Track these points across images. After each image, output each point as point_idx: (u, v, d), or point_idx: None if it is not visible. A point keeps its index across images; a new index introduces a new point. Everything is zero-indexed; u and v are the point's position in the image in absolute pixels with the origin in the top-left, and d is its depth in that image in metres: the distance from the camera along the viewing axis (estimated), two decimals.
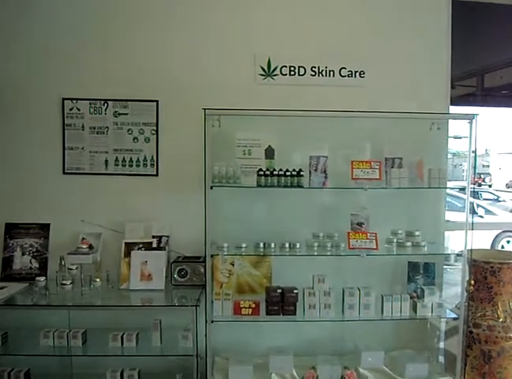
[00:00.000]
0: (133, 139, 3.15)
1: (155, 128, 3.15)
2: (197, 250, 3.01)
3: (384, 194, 2.99)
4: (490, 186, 13.15)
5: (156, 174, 3.17)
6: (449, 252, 2.96)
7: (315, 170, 2.88)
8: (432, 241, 3.04)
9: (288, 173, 2.71)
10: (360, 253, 2.72)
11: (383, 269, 3.04)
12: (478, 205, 8.25)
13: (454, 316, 2.86)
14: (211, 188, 2.66)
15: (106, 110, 3.13)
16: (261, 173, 2.70)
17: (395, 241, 2.94)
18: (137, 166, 3.15)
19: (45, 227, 3.11)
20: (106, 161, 3.15)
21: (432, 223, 3.20)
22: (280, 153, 2.96)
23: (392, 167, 3.00)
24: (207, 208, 2.63)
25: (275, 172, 2.72)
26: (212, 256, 2.70)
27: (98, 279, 2.86)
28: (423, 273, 3.14)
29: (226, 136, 3.00)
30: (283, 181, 2.71)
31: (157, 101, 3.14)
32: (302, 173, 2.72)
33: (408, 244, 2.84)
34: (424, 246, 2.86)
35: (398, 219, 3.10)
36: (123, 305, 2.67)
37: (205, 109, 2.60)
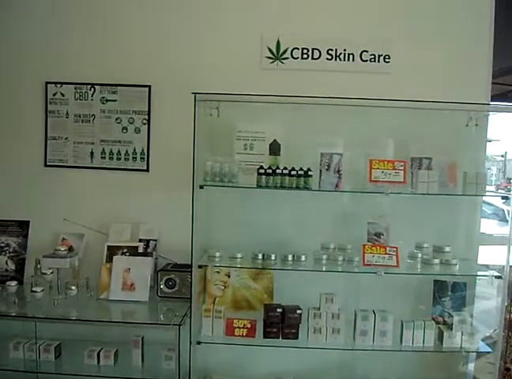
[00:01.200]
0: (122, 129, 2.74)
1: (146, 117, 2.73)
2: (190, 257, 2.56)
3: (408, 200, 2.49)
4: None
5: (147, 170, 2.75)
6: (486, 272, 2.42)
7: (327, 169, 2.39)
8: (464, 257, 2.52)
9: (293, 172, 2.24)
10: (377, 270, 2.23)
11: (404, 288, 2.54)
12: (509, 212, 7.53)
13: (488, 350, 2.34)
14: (201, 187, 2.21)
15: (92, 95, 2.73)
16: (262, 171, 2.24)
17: (420, 256, 2.44)
18: (126, 159, 2.74)
19: (24, 225, 2.74)
20: (91, 153, 2.75)
21: (464, 235, 2.68)
22: (286, 149, 2.50)
23: (419, 169, 2.48)
24: (195, 210, 2.20)
25: (278, 171, 2.25)
26: (200, 266, 2.25)
27: (74, 287, 2.47)
28: (451, 294, 2.62)
29: (226, 128, 2.56)
30: (287, 182, 2.25)
31: (149, 86, 2.71)
32: (310, 172, 2.24)
33: (436, 261, 2.33)
34: (456, 265, 2.34)
35: (424, 230, 2.60)
36: (90, 320, 2.26)
37: (195, 93, 2.15)
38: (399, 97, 2.32)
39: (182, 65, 2.68)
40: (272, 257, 2.34)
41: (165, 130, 2.73)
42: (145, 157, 2.74)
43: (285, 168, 2.26)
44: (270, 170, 2.24)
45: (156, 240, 2.68)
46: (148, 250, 2.66)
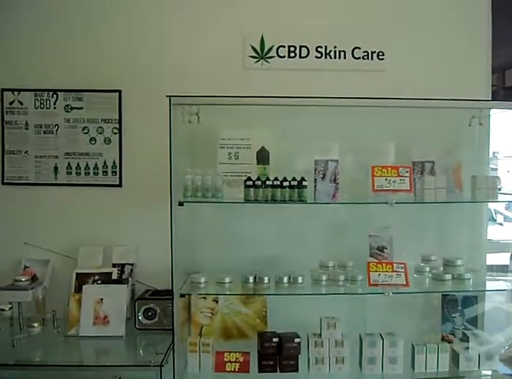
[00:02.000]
0: (90, 140, 2.41)
1: (117, 126, 2.41)
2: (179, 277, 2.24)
3: (412, 209, 2.24)
4: (499, 189, 12.31)
5: (120, 185, 2.43)
6: (505, 286, 2.18)
7: (322, 178, 2.11)
8: (473, 267, 2.27)
9: (285, 183, 1.94)
10: (384, 290, 1.94)
11: (411, 306, 2.27)
12: (496, 211, 7.39)
13: (510, 372, 2.08)
14: (180, 204, 1.89)
15: (55, 103, 2.40)
16: (250, 183, 1.94)
17: (427, 270, 2.18)
18: (95, 174, 2.41)
19: None
20: (55, 168, 2.41)
21: (472, 244, 2.42)
22: (276, 157, 2.21)
23: (421, 174, 2.22)
24: (174, 231, 1.87)
25: (268, 182, 1.95)
26: (182, 295, 1.93)
27: (37, 324, 2.11)
28: (461, 309, 2.36)
29: (207, 136, 2.27)
30: (279, 195, 1.95)
31: (120, 91, 2.40)
32: (304, 183, 1.95)
33: (447, 276, 2.07)
34: (469, 279, 2.08)
35: (429, 240, 2.36)
36: (55, 365, 1.89)
37: (170, 96, 1.84)
38: (395, 96, 2.06)
39: (156, 67, 2.38)
40: (265, 280, 2.03)
41: (139, 140, 2.41)
42: (117, 171, 2.42)
43: (276, 179, 1.97)
44: (259, 182, 1.95)
45: (132, 264, 2.35)
46: (124, 276, 2.33)
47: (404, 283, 1.94)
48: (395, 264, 1.96)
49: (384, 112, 2.10)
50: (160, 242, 2.26)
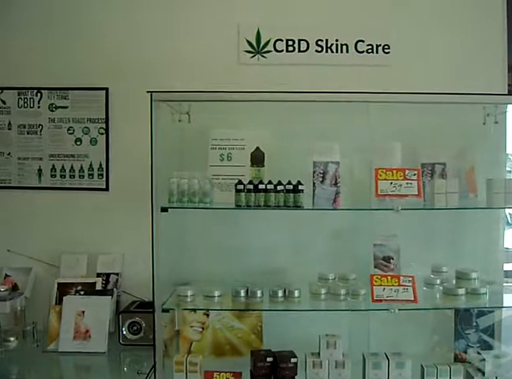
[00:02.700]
0: (76, 141, 2.25)
1: (104, 126, 2.25)
2: (162, 292, 2.06)
3: (421, 216, 2.02)
4: None
5: (106, 189, 2.26)
6: None
7: (322, 181, 1.91)
8: (489, 279, 2.04)
9: (279, 187, 1.75)
10: (390, 306, 1.73)
11: (420, 322, 2.05)
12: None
13: None
14: (163, 210, 1.71)
15: (39, 102, 2.25)
16: (241, 187, 1.74)
17: (438, 283, 1.96)
18: (81, 177, 2.25)
19: None
20: (39, 171, 2.25)
21: (487, 253, 2.19)
22: (272, 158, 2.02)
23: (431, 177, 2.01)
24: (156, 239, 1.69)
25: (261, 186, 1.75)
26: (165, 310, 1.74)
27: (13, 338, 1.95)
28: (476, 325, 2.12)
29: (199, 136, 2.08)
30: (273, 200, 1.76)
31: (107, 89, 2.23)
32: (301, 187, 1.75)
33: (461, 291, 1.84)
34: (485, 294, 1.85)
35: (440, 249, 2.14)
36: None
37: (151, 92, 1.66)
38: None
39: (146, 63, 2.21)
40: (258, 294, 1.84)
41: (127, 141, 2.24)
42: (104, 173, 2.25)
43: (270, 182, 1.77)
44: (251, 186, 1.75)
45: (117, 274, 2.18)
46: (109, 287, 2.16)
47: (412, 298, 1.73)
48: (402, 278, 1.75)
49: (390, 109, 1.91)
50: (149, 250, 2.09)
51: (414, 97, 1.75)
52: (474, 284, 1.87)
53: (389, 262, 1.97)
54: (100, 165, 2.25)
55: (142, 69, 2.20)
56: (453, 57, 2.22)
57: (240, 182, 1.78)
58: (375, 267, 1.95)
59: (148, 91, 1.67)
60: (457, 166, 2.06)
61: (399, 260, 1.97)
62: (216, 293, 1.83)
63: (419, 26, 2.21)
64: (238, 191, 1.76)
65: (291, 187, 1.76)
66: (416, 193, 1.71)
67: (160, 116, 1.98)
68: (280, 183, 1.78)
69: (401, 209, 1.74)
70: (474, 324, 2.11)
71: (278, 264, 2.05)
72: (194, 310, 2.03)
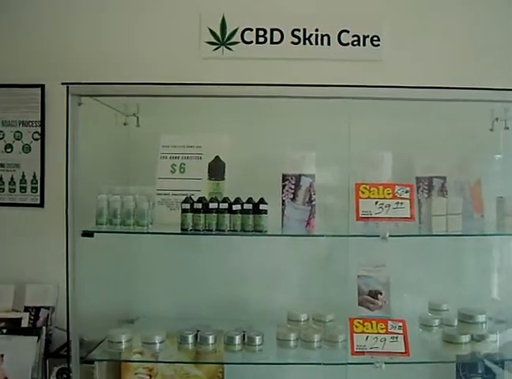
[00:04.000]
0: (6, 147, 1.90)
1: (39, 130, 1.87)
2: (104, 329, 1.68)
3: (415, 240, 1.63)
4: None
5: (41, 204, 1.89)
6: None
7: (293, 199, 1.54)
8: (500, 319, 1.65)
9: (235, 206, 1.36)
10: (374, 360, 1.34)
11: (412, 375, 1.63)
12: None
13: None
14: (86, 234, 1.33)
15: None
16: (187, 207, 1.36)
17: (436, 324, 1.56)
18: (11, 191, 1.88)
19: None
20: None
21: (496, 287, 1.80)
22: (234, 170, 1.64)
23: (428, 194, 1.64)
24: (72, 268, 1.32)
25: (213, 205, 1.37)
26: (84, 361, 1.35)
27: None
28: (483, 374, 1.72)
29: (149, 142, 1.71)
30: (227, 223, 1.37)
31: (43, 86, 1.86)
32: (263, 206, 1.36)
33: (465, 339, 1.44)
34: (495, 342, 1.46)
35: (439, 282, 1.73)
36: None
37: (66, 84, 1.29)
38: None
39: (89, 56, 1.85)
40: (210, 340, 1.44)
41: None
42: (38, 187, 1.87)
43: (224, 200, 1.38)
44: (200, 205, 1.36)
45: (49, 307, 1.78)
46: (39, 323, 1.77)
47: (403, 350, 1.35)
48: (390, 323, 1.36)
49: (378, 110, 1.55)
50: (91, 278, 1.73)
51: (407, 92, 1.38)
52: (481, 329, 1.48)
53: (377, 298, 1.59)
54: (34, 176, 1.88)
55: (87, 63, 1.83)
56: (456, 50, 1.84)
57: (187, 200, 1.40)
58: (360, 304, 1.58)
59: (63, 83, 1.30)
60: (460, 181, 1.68)
61: (389, 295, 1.58)
62: (157, 338, 1.44)
63: (415, 13, 1.85)
64: (184, 211, 1.38)
65: (250, 206, 1.37)
66: (408, 215, 1.33)
67: (99, 118, 1.64)
68: (237, 201, 1.39)
69: (389, 236, 1.35)
70: (480, 372, 1.71)
71: (239, 298, 1.66)
72: (140, 352, 1.63)
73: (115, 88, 1.36)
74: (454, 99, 1.50)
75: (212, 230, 1.39)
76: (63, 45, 1.87)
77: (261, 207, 1.38)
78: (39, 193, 1.89)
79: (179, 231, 1.39)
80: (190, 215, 1.38)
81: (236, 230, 1.39)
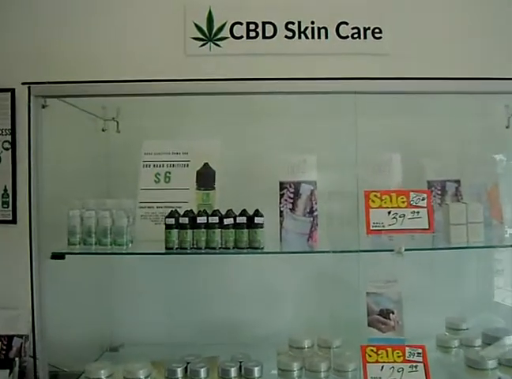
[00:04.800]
0: None
1: (9, 138, 1.69)
2: (86, 358, 1.50)
3: (430, 252, 1.45)
4: None
5: (13, 221, 1.69)
6: None
7: (292, 209, 1.35)
8: None
9: (228, 220, 1.17)
10: None
11: None
12: None
13: None
14: (56, 257, 1.14)
15: None
16: (172, 223, 1.17)
17: (456, 345, 1.38)
18: None
19: None
20: None
21: None
22: (225, 177, 1.45)
23: (441, 200, 1.47)
24: (39, 295, 1.15)
25: (201, 219, 1.18)
26: None
27: None
28: None
29: (131, 150, 1.54)
30: (218, 240, 1.18)
31: (13, 90, 1.66)
32: (258, 219, 1.18)
33: (491, 364, 1.26)
34: None
35: (458, 297, 1.56)
36: None
37: (28, 84, 1.11)
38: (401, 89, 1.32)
39: (65, 55, 1.66)
40: (202, 374, 1.26)
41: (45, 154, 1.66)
42: (10, 201, 1.68)
43: (214, 213, 1.20)
44: (186, 219, 1.18)
45: (23, 336, 1.59)
46: (11, 354, 1.57)
47: None
48: (408, 350, 1.17)
49: (384, 108, 1.38)
50: (69, 304, 1.56)
51: (415, 85, 1.21)
52: (510, 353, 1.29)
53: (389, 317, 1.41)
54: (5, 190, 1.69)
55: (63, 63, 1.65)
56: (469, 41, 1.68)
57: (172, 214, 1.21)
58: (369, 325, 1.40)
59: (23, 83, 1.12)
60: (476, 184, 1.51)
61: (402, 314, 1.40)
62: (141, 374, 1.25)
63: (420, 2, 1.67)
64: (168, 227, 1.19)
65: (244, 220, 1.18)
66: (426, 226, 1.15)
67: (74, 123, 1.46)
68: (228, 214, 1.21)
69: (407, 251, 1.16)
70: None
71: (234, 320, 1.48)
72: None
73: (84, 87, 1.18)
74: (466, 91, 1.33)
75: (201, 248, 1.20)
76: (36, 45, 1.69)
77: (257, 220, 1.19)
78: (10, 208, 1.70)
79: (163, 251, 1.19)
80: (175, 231, 1.20)
81: (229, 248, 1.20)
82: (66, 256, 1.21)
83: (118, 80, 1.23)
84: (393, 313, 1.43)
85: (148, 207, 1.45)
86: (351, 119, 1.32)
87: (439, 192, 1.53)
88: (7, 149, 1.71)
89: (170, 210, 1.33)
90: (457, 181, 1.55)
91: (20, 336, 1.61)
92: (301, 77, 1.28)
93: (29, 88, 1.14)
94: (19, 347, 1.61)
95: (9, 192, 1.71)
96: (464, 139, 1.54)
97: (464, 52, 1.64)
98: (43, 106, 1.15)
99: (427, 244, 1.40)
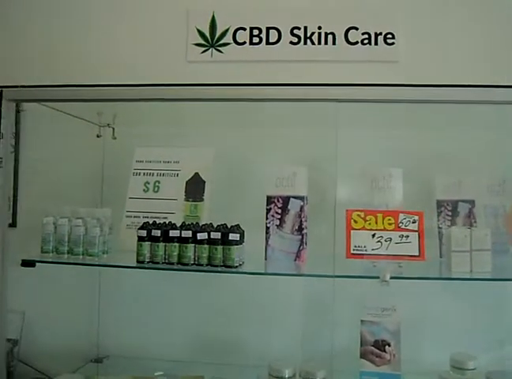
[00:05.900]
0: None
1: (12, 142, 1.69)
2: (71, 367, 1.48)
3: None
4: None
5: (13, 224, 1.69)
6: None
7: (279, 225, 1.25)
8: None
9: (201, 235, 1.10)
10: None
11: None
12: None
13: None
14: (26, 264, 1.11)
15: None
16: (143, 235, 1.11)
17: None
18: None
19: None
20: None
21: None
22: (216, 189, 1.39)
23: (452, 222, 1.32)
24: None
25: (174, 232, 1.11)
26: None
27: None
28: None
29: (126, 157, 1.50)
30: (190, 256, 1.10)
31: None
32: (232, 236, 1.09)
33: None
34: None
35: (464, 330, 1.39)
36: None
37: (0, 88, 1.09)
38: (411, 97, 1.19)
39: (63, 58, 1.66)
40: None
41: (42, 160, 1.67)
42: (11, 204, 1.68)
43: (188, 227, 1.12)
44: (159, 232, 1.11)
45: (11, 340, 1.58)
46: None
47: None
48: None
49: (388, 116, 1.26)
50: (61, 308, 1.54)
51: (422, 92, 1.08)
52: None
53: (384, 350, 1.28)
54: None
55: (59, 66, 1.65)
56: (484, 48, 1.51)
57: (145, 226, 1.14)
58: (362, 357, 1.27)
59: None
60: (493, 205, 1.35)
61: (399, 347, 1.26)
62: None
63: (435, 6, 1.54)
64: (140, 239, 1.13)
65: (218, 235, 1.10)
66: (416, 252, 1.00)
67: (69, 128, 1.45)
68: (203, 228, 1.13)
69: (393, 279, 1.03)
70: None
71: (213, 338, 1.38)
72: None
73: (64, 91, 1.15)
74: (485, 100, 1.18)
75: (173, 264, 1.13)
76: (32, 43, 1.69)
77: (231, 236, 1.10)
78: (11, 211, 1.70)
79: (134, 264, 1.13)
80: (146, 244, 1.13)
81: (202, 264, 1.11)
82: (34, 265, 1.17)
83: (100, 85, 1.19)
84: (389, 345, 1.30)
85: (135, 216, 1.41)
86: (351, 128, 1.21)
87: (450, 213, 1.38)
88: (11, 152, 1.72)
89: (157, 220, 1.28)
90: (471, 202, 1.39)
91: (9, 340, 1.60)
92: (299, 83, 1.19)
93: (1, 91, 1.12)
94: (8, 352, 1.60)
95: (10, 195, 1.72)
96: (480, 153, 1.38)
97: (479, 59, 1.47)
98: (19, 111, 1.12)
99: (434, 270, 1.26)
